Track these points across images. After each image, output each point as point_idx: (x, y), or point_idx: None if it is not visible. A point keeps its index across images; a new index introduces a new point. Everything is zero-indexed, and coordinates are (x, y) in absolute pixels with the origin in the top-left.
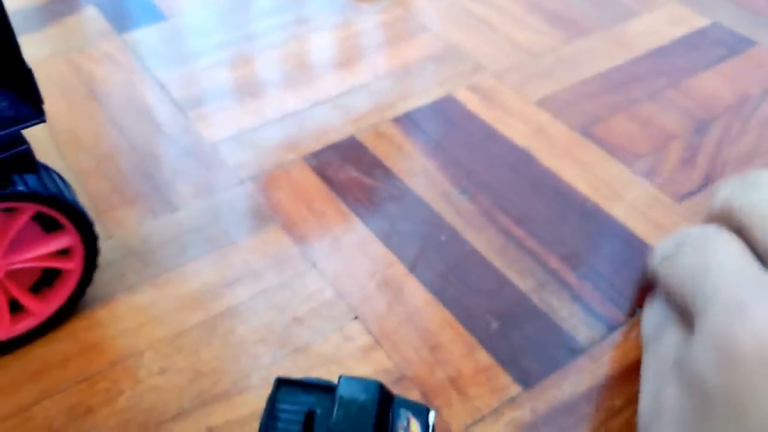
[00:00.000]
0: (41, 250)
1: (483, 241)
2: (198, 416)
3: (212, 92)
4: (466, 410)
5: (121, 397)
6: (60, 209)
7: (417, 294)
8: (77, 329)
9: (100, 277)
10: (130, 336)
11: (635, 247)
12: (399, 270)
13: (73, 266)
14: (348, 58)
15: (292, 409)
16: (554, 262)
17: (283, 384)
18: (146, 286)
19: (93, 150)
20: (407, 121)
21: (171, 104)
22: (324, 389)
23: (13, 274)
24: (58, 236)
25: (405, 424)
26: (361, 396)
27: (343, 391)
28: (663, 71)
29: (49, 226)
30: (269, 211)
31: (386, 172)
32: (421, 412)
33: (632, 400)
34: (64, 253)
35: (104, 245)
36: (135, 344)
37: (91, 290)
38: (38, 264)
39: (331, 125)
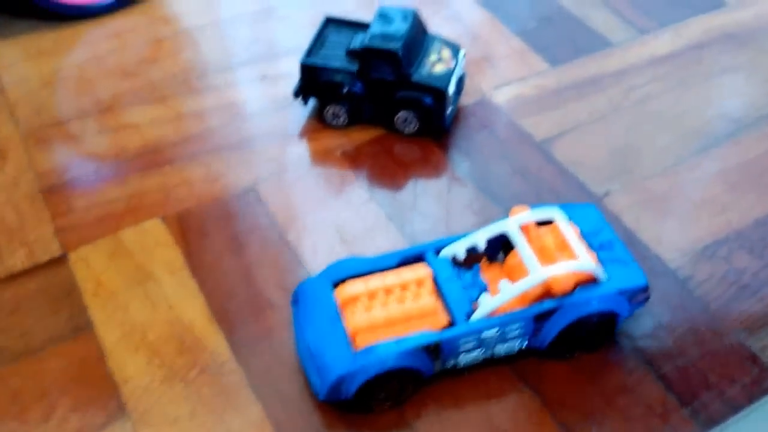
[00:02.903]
0: None
1: None
2: (253, 68)
3: None
4: (497, 77)
5: (184, 53)
6: None
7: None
8: (149, 8)
9: None
10: (194, 16)
11: None
12: None
13: None
14: None
15: (337, 39)
16: None
17: (330, 21)
18: None
19: None
20: None
21: None
22: (368, 27)
23: None
24: None
25: (438, 50)
26: (399, 17)
27: (382, 13)
28: None
29: None
30: None
31: None
32: (453, 47)
33: (654, 80)
34: None
35: None
36: (199, 21)
37: None
38: None
39: None
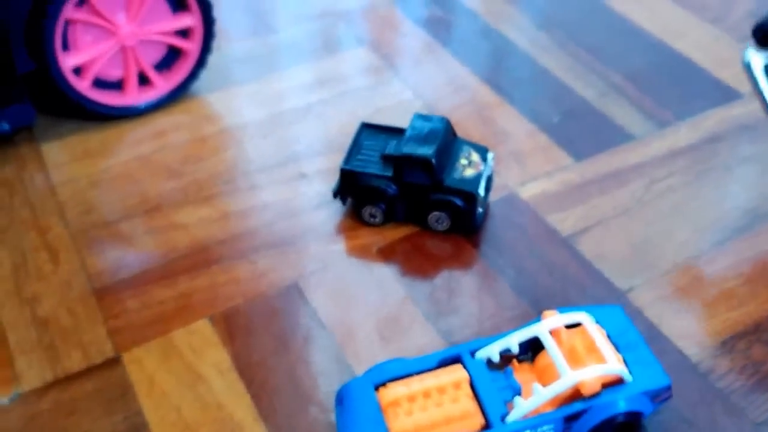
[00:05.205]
0: (168, 26)
1: (553, 62)
2: (293, 166)
3: None
4: (523, 173)
5: (227, 152)
6: None
7: (486, 95)
8: (192, 106)
9: (211, 74)
10: (236, 114)
11: (693, 70)
12: (472, 80)
13: (192, 47)
14: None
15: (373, 144)
16: (617, 78)
17: (366, 126)
18: (252, 82)
19: None
20: None
21: None
22: (400, 131)
23: (143, 48)
24: (183, 16)
25: (467, 154)
26: (431, 124)
27: (416, 121)
28: None
29: (176, 7)
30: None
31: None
32: (482, 150)
33: (673, 173)
34: (185, 35)
35: (214, 55)
36: (240, 119)
37: (205, 80)
38: (165, 39)
39: None
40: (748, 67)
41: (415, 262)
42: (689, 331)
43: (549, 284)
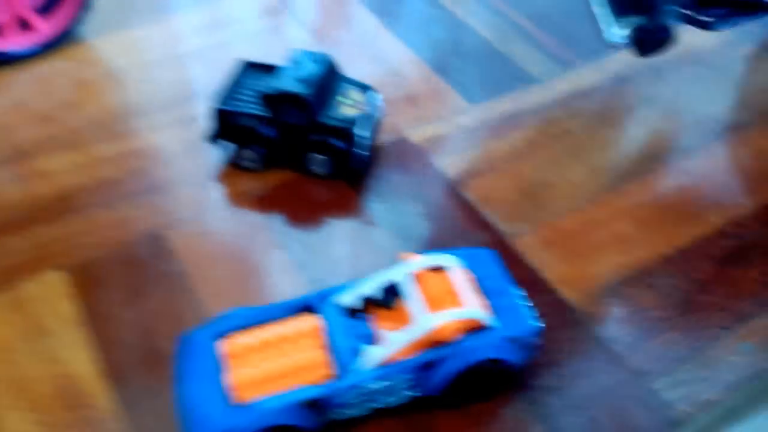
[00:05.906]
0: None
1: (453, 2)
2: (172, 111)
3: None
4: (416, 117)
5: (106, 97)
6: None
7: (380, 34)
8: (76, 51)
9: (97, 17)
10: (120, 59)
11: None
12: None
13: None
14: None
15: (253, 83)
16: (520, 19)
17: (247, 65)
18: (141, 26)
19: None
20: None
21: None
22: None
23: None
24: None
25: (349, 93)
26: (311, 61)
27: (296, 57)
28: None
29: None
30: None
31: None
32: (366, 89)
33: (575, 115)
34: None
35: None
36: (123, 63)
37: (92, 24)
38: None
39: None
40: None
41: (294, 209)
42: (574, 276)
43: (431, 230)
